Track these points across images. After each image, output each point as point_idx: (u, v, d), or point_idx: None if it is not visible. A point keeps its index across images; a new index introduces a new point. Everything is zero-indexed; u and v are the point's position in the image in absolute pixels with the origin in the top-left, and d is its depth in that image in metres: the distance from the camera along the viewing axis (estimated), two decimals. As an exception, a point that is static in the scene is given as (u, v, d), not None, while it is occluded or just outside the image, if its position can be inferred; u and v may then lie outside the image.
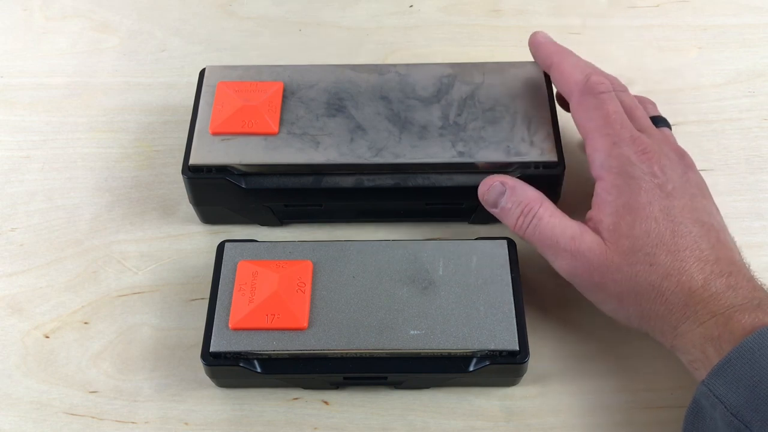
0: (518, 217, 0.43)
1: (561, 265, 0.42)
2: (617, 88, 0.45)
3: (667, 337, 0.39)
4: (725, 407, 0.35)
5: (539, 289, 0.46)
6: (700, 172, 0.44)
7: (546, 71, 0.47)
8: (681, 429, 0.38)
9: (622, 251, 0.39)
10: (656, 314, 0.39)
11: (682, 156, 0.43)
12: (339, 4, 0.62)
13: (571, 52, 0.47)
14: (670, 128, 0.46)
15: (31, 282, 0.47)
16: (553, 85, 0.48)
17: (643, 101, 0.47)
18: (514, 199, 0.43)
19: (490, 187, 0.44)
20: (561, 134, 0.47)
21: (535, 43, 0.48)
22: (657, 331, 0.40)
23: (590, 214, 0.42)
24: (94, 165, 0.53)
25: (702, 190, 0.42)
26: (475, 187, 0.46)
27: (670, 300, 0.38)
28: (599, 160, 0.42)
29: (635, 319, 0.40)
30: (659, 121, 0.46)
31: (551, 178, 0.46)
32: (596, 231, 0.41)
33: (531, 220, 0.42)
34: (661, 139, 0.43)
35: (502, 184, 0.43)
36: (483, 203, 0.44)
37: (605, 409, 0.42)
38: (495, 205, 0.44)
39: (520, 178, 0.46)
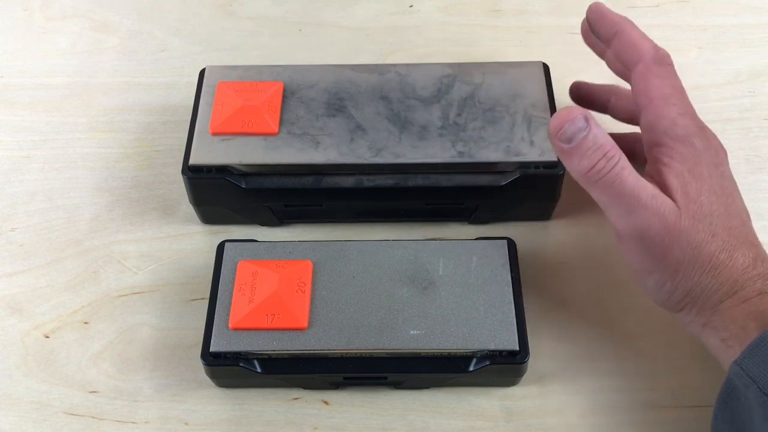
0: (599, 160, 0.38)
1: (634, 222, 0.39)
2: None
3: (703, 314, 0.39)
4: (758, 387, 0.34)
5: (539, 289, 0.46)
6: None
7: (606, 38, 0.45)
8: (713, 412, 0.37)
9: (692, 216, 0.39)
10: (703, 288, 0.39)
11: (722, 149, 0.43)
12: (339, 4, 0.62)
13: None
14: None
15: (31, 282, 0.47)
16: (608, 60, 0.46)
17: None
18: (597, 139, 0.38)
19: (571, 119, 0.38)
20: (561, 134, 0.47)
21: (598, 11, 0.46)
22: (695, 308, 0.39)
23: (651, 178, 0.41)
24: (94, 165, 0.53)
25: (736, 189, 0.42)
26: (475, 188, 0.46)
27: (722, 274, 0.38)
28: (663, 126, 0.41)
29: (680, 293, 0.39)
30: None
31: (551, 178, 0.46)
32: (666, 193, 0.40)
33: (613, 167, 0.38)
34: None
35: (586, 119, 0.38)
36: (553, 136, 0.39)
37: (605, 409, 0.42)
38: (570, 140, 0.38)
39: (520, 177, 0.46)
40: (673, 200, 0.39)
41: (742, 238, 0.39)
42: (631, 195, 0.38)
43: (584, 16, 0.46)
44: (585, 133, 0.38)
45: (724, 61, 0.58)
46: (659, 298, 0.41)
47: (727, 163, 0.42)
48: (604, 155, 0.38)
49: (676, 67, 0.43)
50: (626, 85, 0.46)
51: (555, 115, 0.39)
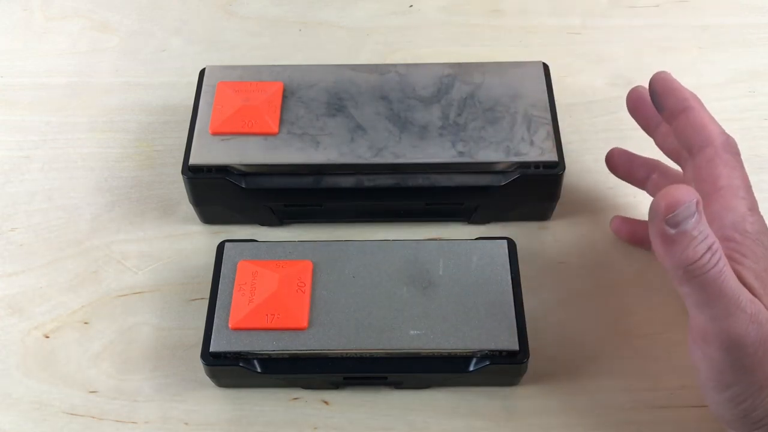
0: (704, 253, 0.33)
1: (730, 327, 0.34)
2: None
3: None
4: None
5: (539, 289, 0.46)
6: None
7: (671, 114, 0.41)
8: None
9: None
10: None
11: None
12: (339, 4, 0.62)
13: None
14: None
15: (31, 282, 0.47)
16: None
17: None
18: (705, 229, 0.33)
19: (685, 202, 0.33)
20: (561, 134, 0.47)
21: (666, 83, 0.42)
22: None
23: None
24: (94, 165, 0.53)
25: None
26: (475, 188, 0.46)
27: None
28: (731, 219, 0.37)
29: (761, 412, 0.35)
30: None
31: (551, 178, 0.46)
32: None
33: (717, 263, 0.34)
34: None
35: (698, 203, 0.33)
36: (660, 217, 0.33)
37: (605, 409, 0.42)
38: (678, 224, 0.33)
39: (519, 177, 0.46)
40: (765, 303, 0.35)
41: None
42: (733, 297, 0.34)
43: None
44: (695, 220, 0.33)
45: (724, 61, 0.58)
46: (731, 415, 0.36)
47: None
48: (709, 248, 0.33)
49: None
50: (670, 163, 0.45)
51: (665, 192, 0.33)
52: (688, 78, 0.58)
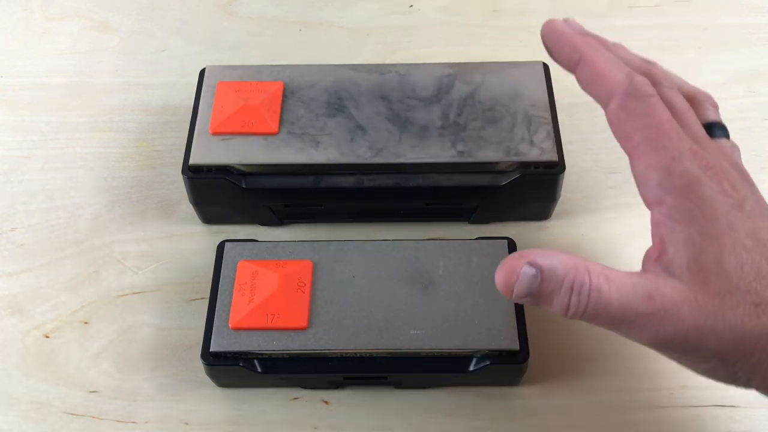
0: (569, 299, 0.32)
1: (644, 336, 0.32)
2: (664, 83, 0.37)
3: None
4: None
5: (539, 289, 0.46)
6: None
7: (569, 68, 0.38)
8: None
9: (717, 293, 0.31)
10: None
11: (742, 172, 0.35)
12: (339, 4, 0.62)
13: (600, 42, 0.38)
14: (728, 136, 0.38)
15: (31, 282, 0.47)
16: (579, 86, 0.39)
17: (699, 100, 0.39)
18: (554, 278, 0.32)
19: (516, 277, 0.32)
20: (561, 134, 0.47)
21: (555, 33, 0.38)
22: None
23: (653, 252, 0.33)
24: (94, 165, 0.53)
25: None
26: (475, 187, 0.46)
27: None
28: (656, 179, 0.33)
29: (743, 374, 0.32)
30: (716, 128, 0.38)
31: (551, 178, 0.46)
32: (670, 274, 0.32)
33: (588, 297, 0.31)
34: (717, 151, 0.35)
35: (530, 265, 0.32)
36: (509, 296, 0.33)
37: (606, 409, 0.42)
38: (528, 293, 0.32)
39: (520, 177, 0.46)
40: (682, 282, 0.31)
41: None
42: (624, 312, 0.31)
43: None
44: (539, 280, 0.32)
45: (724, 61, 0.58)
46: (721, 382, 0.33)
47: (754, 188, 0.35)
48: (572, 289, 0.32)
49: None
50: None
51: (497, 275, 0.33)
52: (688, 78, 0.58)
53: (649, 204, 0.34)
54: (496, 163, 0.46)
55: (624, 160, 0.48)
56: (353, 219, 0.50)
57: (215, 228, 0.50)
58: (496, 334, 0.41)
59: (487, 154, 0.46)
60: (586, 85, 0.37)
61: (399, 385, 0.43)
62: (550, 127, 0.47)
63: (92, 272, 0.48)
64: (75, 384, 0.44)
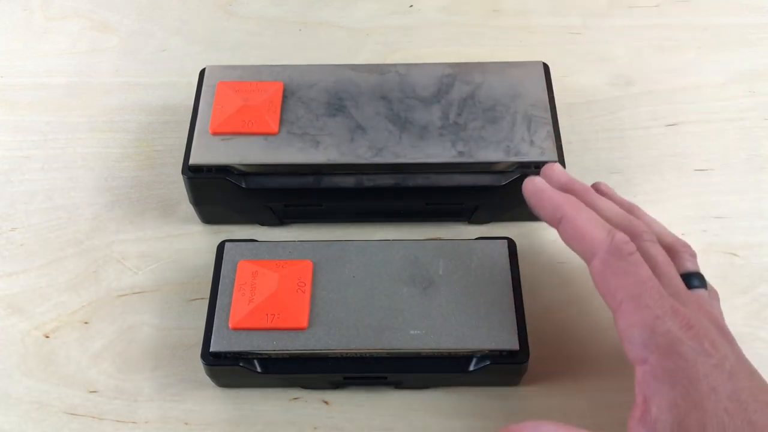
0: None
1: None
2: (644, 236, 0.38)
3: None
4: None
5: (539, 289, 0.46)
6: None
7: (552, 225, 0.39)
8: None
9: None
10: None
11: (721, 327, 0.36)
12: (339, 4, 0.62)
13: (585, 192, 0.40)
14: (706, 286, 0.39)
15: (31, 282, 0.47)
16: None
17: (677, 250, 0.39)
18: None
19: None
20: (561, 134, 0.47)
21: (536, 192, 0.40)
22: None
23: (637, 412, 0.33)
24: (94, 165, 0.53)
25: (751, 365, 0.35)
26: (475, 187, 0.46)
27: None
28: (640, 338, 0.34)
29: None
30: (693, 279, 0.38)
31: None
32: None
33: None
34: (696, 306, 0.36)
35: None
36: None
37: (606, 409, 0.42)
38: None
39: (520, 177, 0.46)
40: None
41: None
42: None
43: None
44: None
45: (724, 61, 0.58)
46: None
47: (732, 343, 0.35)
48: None
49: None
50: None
51: None
52: (688, 78, 0.58)
53: (632, 361, 0.35)
54: (496, 163, 0.46)
55: (624, 160, 0.49)
56: (353, 219, 0.50)
57: (215, 228, 0.50)
58: (496, 334, 0.41)
59: (487, 154, 0.46)
60: (568, 241, 0.38)
61: (399, 385, 0.43)
62: (550, 127, 0.47)
63: (92, 272, 0.48)
64: (75, 384, 0.44)
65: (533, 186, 0.40)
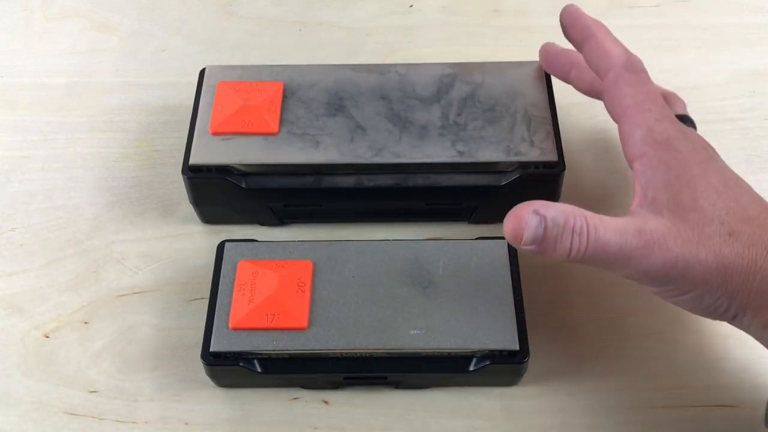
0: (570, 242, 0.36)
1: (638, 268, 0.36)
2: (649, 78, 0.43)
3: (762, 315, 0.36)
4: None
5: (539, 289, 0.46)
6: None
7: (578, 44, 0.44)
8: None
9: (695, 225, 0.35)
10: (750, 288, 0.35)
11: (711, 147, 0.40)
12: (339, 4, 0.62)
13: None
14: (696, 129, 0.43)
15: (31, 282, 0.47)
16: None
17: (672, 97, 0.46)
18: (556, 225, 0.36)
19: (524, 225, 0.36)
20: (561, 134, 0.47)
21: (571, 13, 0.44)
22: (750, 312, 0.36)
23: (638, 199, 0.38)
24: (94, 165, 0.53)
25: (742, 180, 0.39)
26: (475, 187, 0.46)
27: (765, 268, 0.35)
28: (640, 135, 0.38)
29: (724, 301, 0.36)
30: (686, 120, 0.44)
31: (551, 178, 0.46)
32: (653, 212, 0.36)
33: (588, 238, 0.35)
34: (690, 130, 0.40)
35: (536, 212, 0.36)
36: (517, 244, 0.36)
37: (605, 409, 0.42)
38: (534, 240, 0.36)
39: (519, 177, 0.46)
40: (668, 216, 0.36)
41: None
42: (620, 248, 0.35)
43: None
44: (543, 227, 0.36)
45: (724, 61, 0.58)
46: (705, 314, 0.38)
47: (720, 158, 0.40)
48: (572, 232, 0.36)
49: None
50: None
51: (505, 224, 0.36)
52: (688, 78, 0.58)
53: (632, 159, 0.39)
54: (496, 163, 0.46)
55: (624, 160, 0.48)
56: (353, 219, 0.50)
57: (215, 228, 0.50)
58: (495, 334, 0.41)
59: (487, 154, 0.46)
60: (590, 56, 0.43)
61: (399, 385, 0.43)
62: (550, 127, 0.47)
63: (92, 272, 0.48)
64: (75, 384, 0.44)
65: (569, 9, 0.45)
